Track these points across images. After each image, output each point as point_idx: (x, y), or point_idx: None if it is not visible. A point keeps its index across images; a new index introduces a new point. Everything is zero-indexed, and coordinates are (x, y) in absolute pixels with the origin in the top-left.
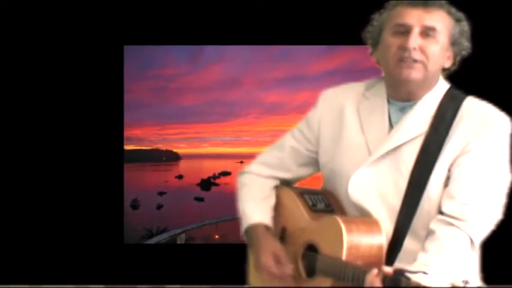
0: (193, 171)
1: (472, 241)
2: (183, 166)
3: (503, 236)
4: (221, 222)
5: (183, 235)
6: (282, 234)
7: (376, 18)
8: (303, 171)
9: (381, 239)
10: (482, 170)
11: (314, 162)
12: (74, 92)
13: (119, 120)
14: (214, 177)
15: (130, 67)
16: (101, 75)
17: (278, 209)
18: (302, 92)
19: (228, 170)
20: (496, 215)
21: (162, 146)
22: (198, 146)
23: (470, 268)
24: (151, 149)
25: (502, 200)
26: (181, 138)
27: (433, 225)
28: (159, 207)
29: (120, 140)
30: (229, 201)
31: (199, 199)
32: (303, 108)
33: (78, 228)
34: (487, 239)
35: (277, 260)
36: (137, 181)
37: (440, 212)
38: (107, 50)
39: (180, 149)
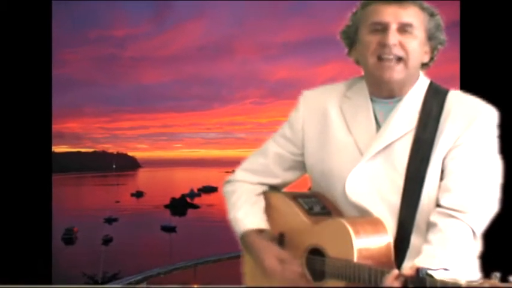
0: (159, 185)
1: (473, 232)
2: (143, 178)
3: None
4: (202, 264)
5: (144, 284)
6: (281, 239)
7: (351, 18)
8: (290, 176)
9: (388, 237)
10: (475, 162)
11: (300, 166)
12: None
13: (44, 107)
14: (192, 194)
15: (61, 25)
16: (16, 37)
17: (273, 214)
18: (327, 63)
19: (212, 184)
20: (494, 205)
21: (112, 147)
22: (166, 146)
23: (472, 258)
24: (95, 152)
25: (497, 190)
26: (140, 135)
27: (434, 218)
28: (107, 241)
29: (46, 137)
30: (216, 231)
31: (169, 229)
32: None
33: None
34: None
35: (282, 261)
36: (73, 201)
37: (439, 205)
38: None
39: (139, 152)
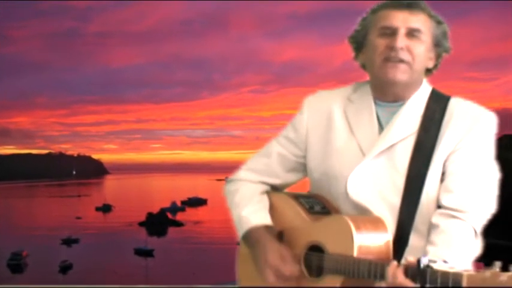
0: (132, 197)
1: (475, 231)
2: (112, 187)
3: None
4: None
5: None
6: (280, 238)
7: (360, 23)
8: (291, 177)
9: (388, 236)
10: (475, 164)
11: (301, 168)
12: None
13: None
14: (175, 209)
15: None
16: None
17: (273, 213)
18: (346, 41)
19: (200, 195)
20: (492, 205)
21: (71, 148)
22: (141, 147)
23: (474, 256)
24: (50, 154)
25: (495, 191)
26: (108, 133)
27: (436, 219)
28: (65, 268)
29: None
30: (204, 255)
31: (145, 252)
32: (350, 73)
33: None
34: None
35: (284, 260)
36: (22, 216)
37: (440, 206)
38: None
39: (107, 154)
